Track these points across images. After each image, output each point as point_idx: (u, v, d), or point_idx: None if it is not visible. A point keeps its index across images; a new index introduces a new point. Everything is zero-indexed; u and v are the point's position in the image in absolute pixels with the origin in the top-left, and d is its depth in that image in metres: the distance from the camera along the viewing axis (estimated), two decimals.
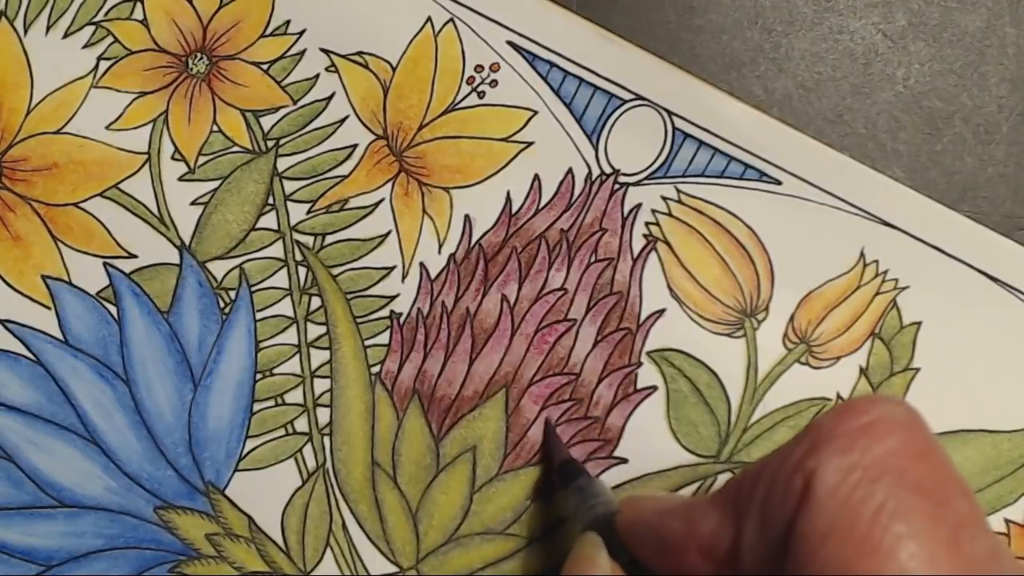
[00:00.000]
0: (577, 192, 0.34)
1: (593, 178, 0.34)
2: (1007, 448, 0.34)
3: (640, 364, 0.33)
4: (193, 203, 0.33)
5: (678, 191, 0.34)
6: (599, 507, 0.29)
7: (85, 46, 0.33)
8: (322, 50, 0.33)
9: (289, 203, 0.33)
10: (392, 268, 0.33)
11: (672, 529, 0.25)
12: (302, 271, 0.33)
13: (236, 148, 0.33)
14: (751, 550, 0.23)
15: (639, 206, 0.34)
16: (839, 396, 0.33)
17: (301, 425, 0.33)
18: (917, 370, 0.34)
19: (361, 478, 0.33)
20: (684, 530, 0.25)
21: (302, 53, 0.33)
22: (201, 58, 0.33)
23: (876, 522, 0.20)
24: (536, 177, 0.34)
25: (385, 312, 0.33)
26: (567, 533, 0.33)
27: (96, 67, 0.33)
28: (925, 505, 0.21)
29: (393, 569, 0.32)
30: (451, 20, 0.34)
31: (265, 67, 0.33)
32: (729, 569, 0.24)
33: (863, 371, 0.34)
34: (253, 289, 0.33)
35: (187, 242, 0.33)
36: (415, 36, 0.34)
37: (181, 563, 0.32)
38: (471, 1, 0.34)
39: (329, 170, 0.33)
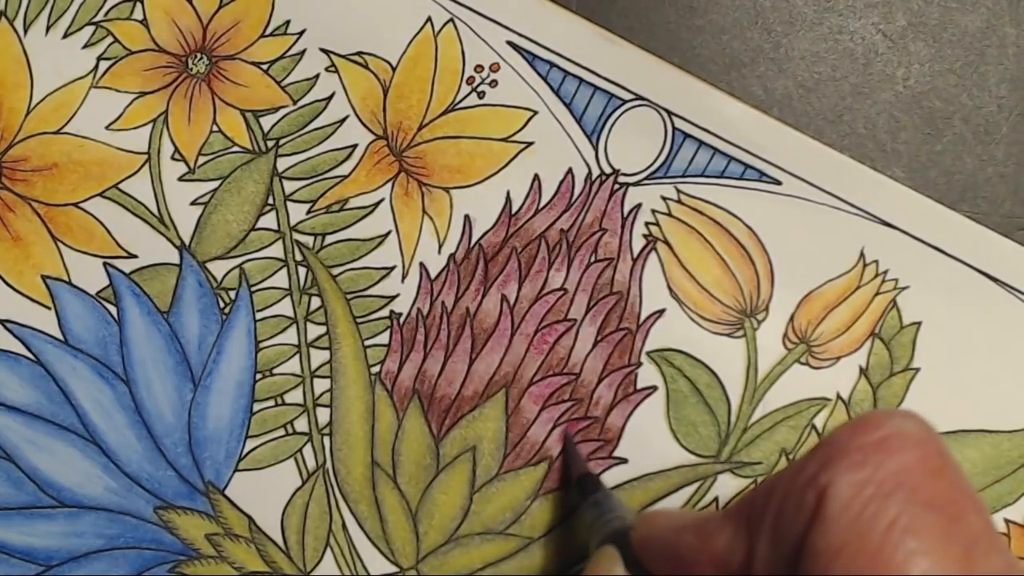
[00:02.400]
0: (577, 192, 0.34)
1: (593, 178, 0.34)
2: (1007, 448, 0.34)
3: (640, 364, 0.33)
4: (193, 203, 0.33)
5: (678, 191, 0.34)
6: (615, 522, 0.29)
7: (85, 46, 0.33)
8: (322, 50, 0.33)
9: (289, 203, 0.33)
10: (392, 268, 0.33)
11: (686, 544, 0.25)
12: (302, 271, 0.33)
13: (236, 148, 0.33)
14: (764, 565, 0.23)
15: (639, 206, 0.34)
16: (839, 396, 0.33)
17: (301, 425, 0.33)
18: (917, 370, 0.34)
19: (361, 478, 0.33)
20: (698, 545, 0.25)
21: (302, 53, 0.33)
22: (201, 58, 0.33)
23: (888, 538, 0.20)
24: (536, 177, 0.34)
25: (385, 312, 0.33)
26: (567, 533, 0.33)
27: (96, 67, 0.33)
28: (938, 521, 0.21)
29: (393, 569, 0.32)
30: (451, 20, 0.34)
31: (265, 67, 0.33)
32: None
33: (863, 371, 0.34)
34: (253, 289, 0.33)
35: (187, 242, 0.33)
36: (415, 36, 0.34)
37: (181, 563, 0.32)
38: (471, 1, 0.34)
39: (329, 170, 0.33)
